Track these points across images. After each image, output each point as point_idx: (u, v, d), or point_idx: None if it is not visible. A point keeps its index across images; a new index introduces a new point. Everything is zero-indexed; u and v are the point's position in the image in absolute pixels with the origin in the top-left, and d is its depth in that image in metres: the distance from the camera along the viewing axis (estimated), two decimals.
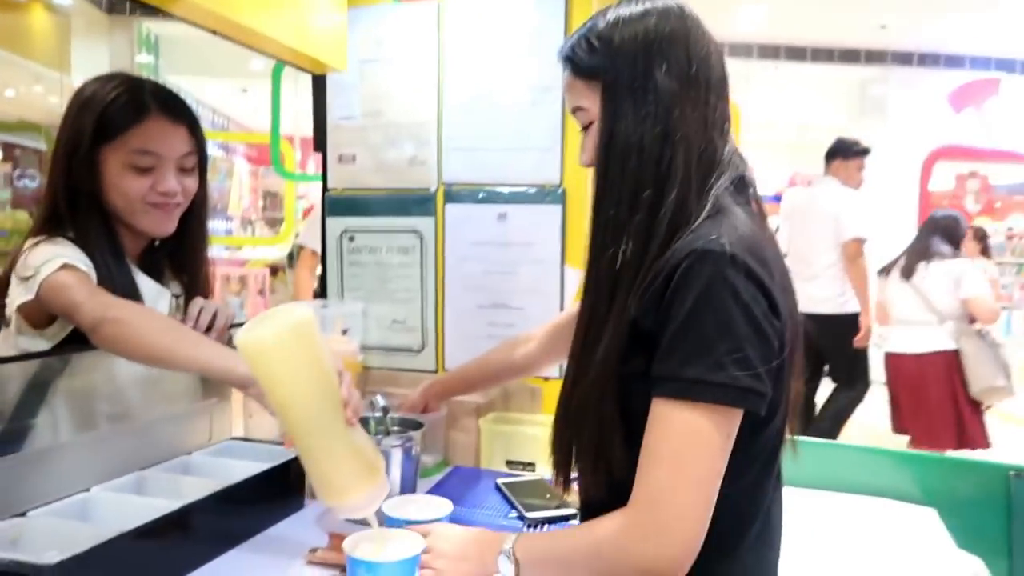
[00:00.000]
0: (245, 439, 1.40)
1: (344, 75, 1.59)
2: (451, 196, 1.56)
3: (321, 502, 0.96)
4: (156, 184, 1.21)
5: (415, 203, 1.58)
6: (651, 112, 0.85)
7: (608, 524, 0.82)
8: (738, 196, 0.87)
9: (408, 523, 1.06)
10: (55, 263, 1.12)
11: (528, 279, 1.52)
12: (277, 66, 3.83)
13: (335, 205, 1.64)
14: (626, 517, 0.81)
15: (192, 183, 1.27)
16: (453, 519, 1.22)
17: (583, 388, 0.88)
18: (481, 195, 1.54)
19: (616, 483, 0.85)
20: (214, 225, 6.94)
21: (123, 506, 1.05)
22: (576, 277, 1.51)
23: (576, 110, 0.94)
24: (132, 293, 1.23)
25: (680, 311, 0.78)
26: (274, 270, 6.76)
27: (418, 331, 1.60)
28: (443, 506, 1.13)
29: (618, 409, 0.85)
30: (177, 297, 1.34)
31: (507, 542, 0.90)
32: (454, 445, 1.53)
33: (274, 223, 8.53)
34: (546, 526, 1.20)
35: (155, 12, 1.29)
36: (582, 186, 1.50)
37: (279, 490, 1.27)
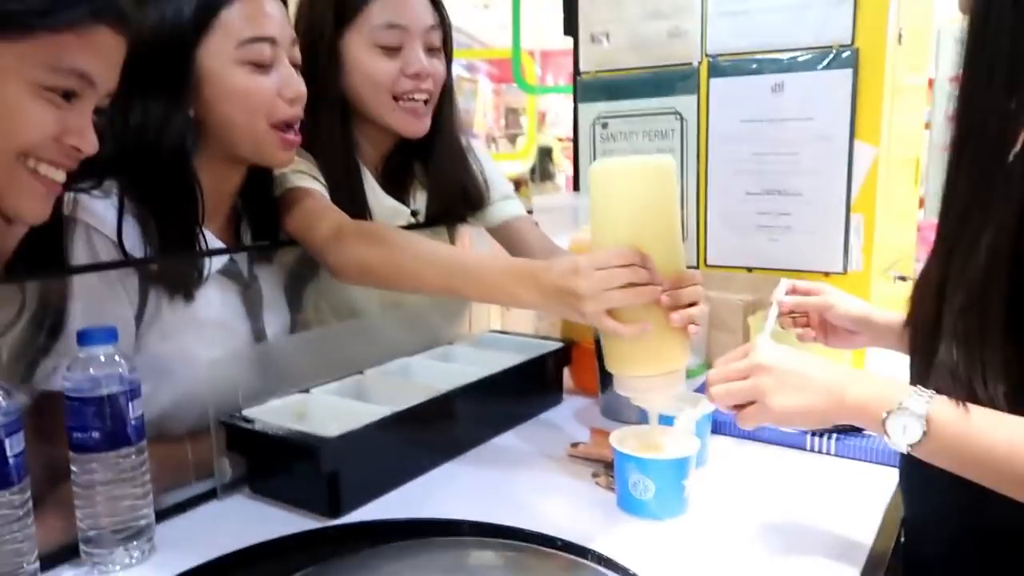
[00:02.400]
0: (503, 332, 1.39)
1: None
2: (717, 69, 1.38)
3: (612, 368, 0.88)
4: (405, 66, 1.13)
5: (675, 80, 1.42)
6: None
7: None
8: None
9: (666, 421, 0.97)
10: (284, 181, 1.09)
11: (809, 159, 1.31)
12: None
13: (587, 90, 1.53)
14: None
15: (440, 66, 1.18)
16: (719, 421, 1.11)
17: (963, 288, 0.67)
18: (753, 65, 1.34)
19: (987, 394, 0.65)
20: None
21: (393, 388, 1.07)
22: (870, 154, 1.28)
23: None
24: (360, 210, 1.15)
25: None
26: (517, 185, 6.91)
27: None
28: (705, 405, 1.01)
29: (1005, 308, 0.65)
30: (415, 215, 1.27)
31: (910, 397, 0.66)
32: (718, 346, 1.40)
33: (514, 139, 8.69)
34: (834, 436, 1.04)
35: None
36: (880, 44, 1.25)
37: (538, 382, 1.24)
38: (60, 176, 0.77)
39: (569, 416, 1.22)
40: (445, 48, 1.20)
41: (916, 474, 0.80)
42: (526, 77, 4.99)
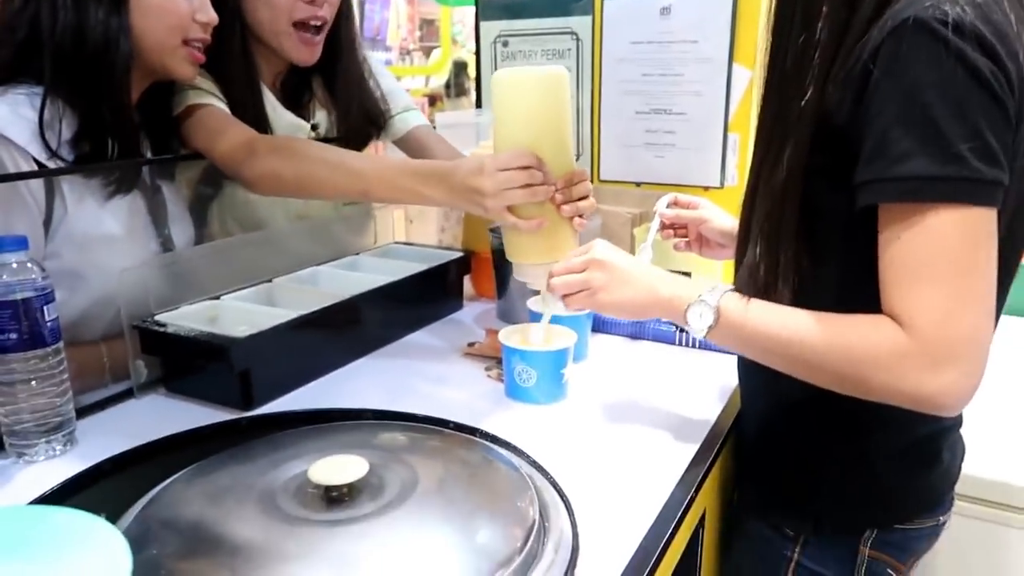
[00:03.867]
0: (407, 243, 1.46)
1: None
2: None
3: (511, 257, 1.00)
4: None
5: (571, 1, 1.48)
6: None
7: (883, 338, 0.68)
8: None
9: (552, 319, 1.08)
10: (185, 98, 1.12)
11: (692, 81, 1.41)
12: None
13: (488, 8, 1.58)
14: (910, 341, 0.67)
15: None
16: (598, 319, 1.23)
17: (768, 195, 0.77)
18: None
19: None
20: (375, 56, 6.99)
21: (301, 295, 1.14)
22: (746, 77, 1.38)
23: None
24: (261, 126, 1.18)
25: (894, 96, 0.65)
26: (432, 99, 6.82)
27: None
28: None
29: (798, 212, 0.76)
30: (315, 128, 1.30)
31: (707, 291, 0.79)
32: None
33: (429, 52, 8.50)
34: None
35: None
36: None
37: (440, 289, 1.33)
38: None
39: (469, 319, 1.32)
40: None
41: (741, 361, 0.96)
42: None
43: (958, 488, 0.90)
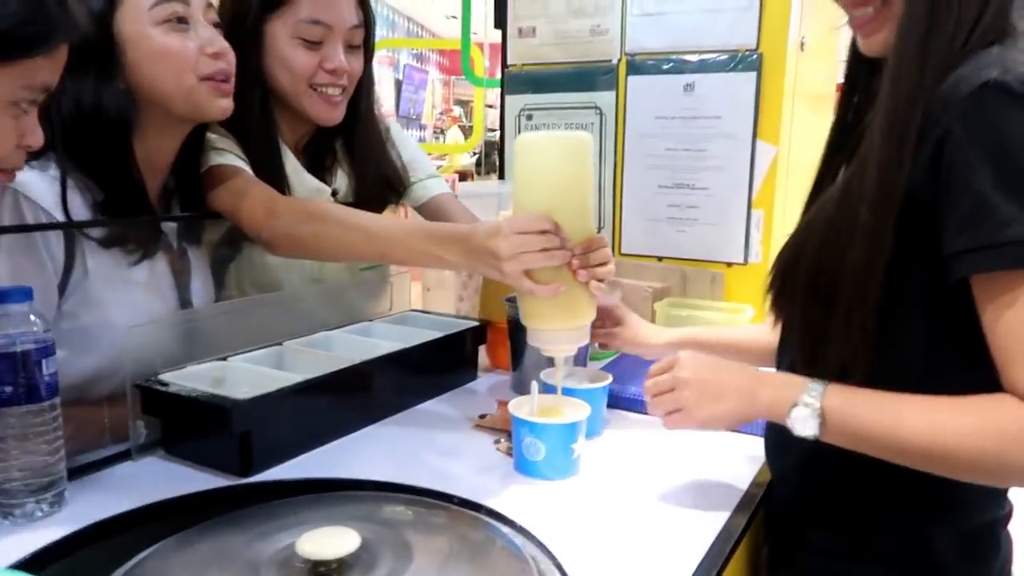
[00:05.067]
0: (424, 311, 1.44)
1: None
2: (634, 67, 1.46)
3: (525, 322, 0.96)
4: (324, 61, 1.17)
5: (596, 76, 1.50)
6: None
7: (1011, 410, 0.65)
8: None
9: (564, 391, 1.04)
10: (208, 159, 1.12)
11: (715, 156, 1.40)
12: None
13: (513, 82, 1.60)
14: None
15: (358, 64, 1.22)
16: (615, 395, 1.18)
17: (849, 255, 0.72)
18: (666, 65, 1.42)
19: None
20: (408, 134, 7.21)
21: (311, 358, 1.11)
22: (770, 153, 1.37)
23: None
24: (282, 188, 1.18)
25: (986, 161, 0.63)
26: (463, 176, 6.96)
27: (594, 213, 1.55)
28: (602, 378, 1.09)
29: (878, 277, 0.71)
30: (335, 193, 1.29)
31: (807, 391, 0.74)
32: None
33: (466, 131, 8.73)
34: None
35: None
36: (781, 49, 1.34)
37: (454, 359, 1.30)
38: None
39: (482, 390, 1.28)
40: (366, 45, 1.24)
41: (769, 441, 0.91)
42: (475, 69, 5.02)
43: None
